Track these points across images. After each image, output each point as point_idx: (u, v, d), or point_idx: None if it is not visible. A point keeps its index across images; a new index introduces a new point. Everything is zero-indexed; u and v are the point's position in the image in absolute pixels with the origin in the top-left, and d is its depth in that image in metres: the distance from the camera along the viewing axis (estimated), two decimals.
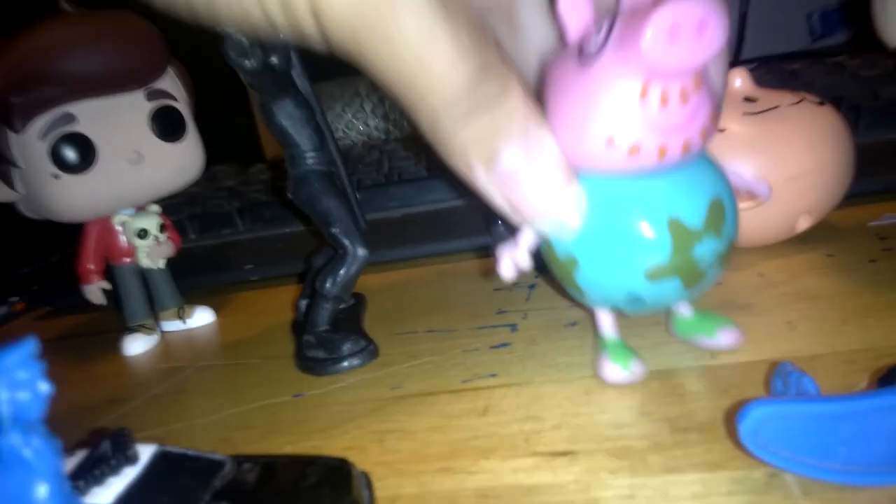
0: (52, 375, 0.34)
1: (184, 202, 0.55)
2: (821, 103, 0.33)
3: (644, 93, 0.20)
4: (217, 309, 0.42)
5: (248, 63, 0.28)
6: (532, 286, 0.37)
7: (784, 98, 0.33)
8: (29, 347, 0.14)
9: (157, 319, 0.41)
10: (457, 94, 0.20)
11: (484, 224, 0.38)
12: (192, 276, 0.46)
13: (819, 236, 0.34)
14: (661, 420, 0.23)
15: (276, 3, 0.18)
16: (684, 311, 0.27)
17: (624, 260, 0.23)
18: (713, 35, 0.19)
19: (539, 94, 0.23)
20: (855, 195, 0.35)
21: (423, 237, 0.45)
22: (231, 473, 0.20)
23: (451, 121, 0.20)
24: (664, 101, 0.20)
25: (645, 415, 0.23)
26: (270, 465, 0.20)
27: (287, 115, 0.31)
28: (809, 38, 0.90)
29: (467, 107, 0.20)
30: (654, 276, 0.23)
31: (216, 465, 0.20)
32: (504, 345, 0.30)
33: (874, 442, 0.17)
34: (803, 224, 0.32)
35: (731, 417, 0.22)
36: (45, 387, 0.14)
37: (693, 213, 0.22)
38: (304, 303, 0.37)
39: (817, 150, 0.31)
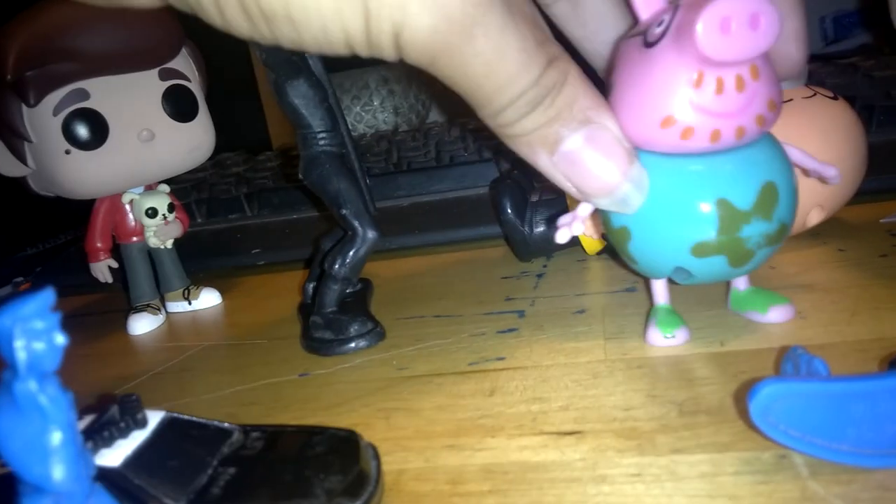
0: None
1: (192, 186, 0.56)
2: (834, 97, 0.33)
3: (700, 80, 0.21)
4: (223, 292, 0.42)
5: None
6: (540, 275, 0.37)
7: (797, 91, 0.33)
8: (47, 298, 0.14)
9: (162, 300, 0.41)
10: (522, 91, 0.21)
11: (493, 210, 0.39)
12: (200, 259, 0.47)
13: (831, 232, 0.34)
14: (670, 403, 0.23)
15: (360, 31, 0.19)
16: (740, 285, 0.27)
17: (672, 235, 0.24)
18: (766, 28, 0.20)
19: (607, 76, 0.24)
20: (867, 192, 0.35)
21: (431, 225, 0.45)
22: (239, 441, 0.20)
23: (516, 112, 0.21)
24: (720, 88, 0.21)
25: (653, 398, 0.23)
26: (278, 435, 0.20)
27: (300, 95, 0.31)
28: (822, 42, 0.90)
29: (531, 98, 0.21)
30: (699, 252, 0.24)
31: (224, 433, 0.20)
32: (511, 330, 0.30)
33: (884, 424, 0.17)
34: (814, 218, 0.32)
35: (741, 400, 0.22)
36: (60, 338, 0.14)
37: (743, 195, 0.23)
38: (311, 286, 0.37)
39: (830, 143, 0.31)
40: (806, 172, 0.27)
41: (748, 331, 0.26)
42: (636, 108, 0.23)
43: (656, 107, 0.22)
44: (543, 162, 0.23)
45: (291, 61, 0.30)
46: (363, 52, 0.20)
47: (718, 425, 0.21)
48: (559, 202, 0.37)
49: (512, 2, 0.20)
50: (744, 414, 0.21)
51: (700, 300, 0.29)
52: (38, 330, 0.14)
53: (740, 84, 0.21)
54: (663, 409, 0.22)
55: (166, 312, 0.41)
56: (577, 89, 0.22)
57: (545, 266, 0.38)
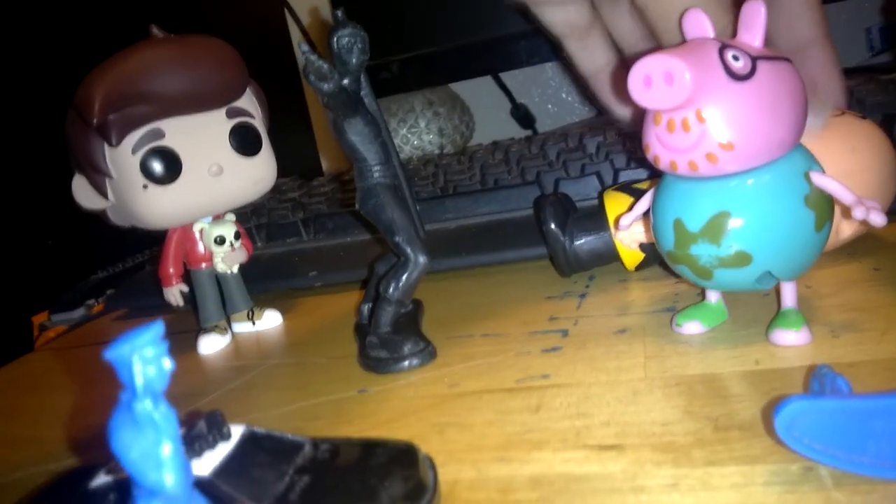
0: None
1: (252, 212, 0.59)
2: (863, 117, 0.34)
3: (658, 119, 0.27)
4: (284, 312, 0.45)
5: (326, 86, 0.30)
6: (583, 295, 0.38)
7: None
8: (157, 329, 0.16)
9: (229, 321, 0.44)
10: None
11: (537, 223, 0.41)
12: (261, 282, 0.50)
13: (866, 250, 0.35)
14: (705, 419, 0.24)
15: None
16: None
17: (659, 241, 0.30)
18: (678, 84, 0.25)
19: None
20: None
21: (477, 247, 0.47)
22: (310, 453, 0.22)
23: None
24: (671, 127, 0.26)
25: (689, 413, 0.25)
26: (344, 447, 0.23)
27: (357, 132, 0.34)
28: (868, 52, 0.90)
29: None
30: (672, 259, 0.30)
31: (297, 445, 0.23)
32: (555, 349, 0.32)
33: None
34: (846, 231, 0.33)
35: (770, 416, 0.23)
36: (168, 363, 0.16)
37: (693, 219, 0.28)
38: (366, 307, 0.40)
39: (858, 156, 0.33)
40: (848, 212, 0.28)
41: (782, 350, 0.28)
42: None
43: (643, 136, 0.28)
44: None
45: (349, 102, 0.33)
46: None
47: (750, 440, 0.22)
48: (600, 217, 0.39)
49: None
50: (773, 429, 0.22)
51: (738, 319, 0.31)
52: (150, 357, 0.16)
53: (686, 125, 0.26)
54: (699, 425, 0.24)
55: (232, 333, 0.44)
56: None
57: (587, 286, 0.40)
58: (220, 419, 0.22)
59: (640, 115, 0.29)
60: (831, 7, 0.81)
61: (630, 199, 0.38)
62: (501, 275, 0.45)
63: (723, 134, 0.26)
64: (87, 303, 0.60)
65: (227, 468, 0.21)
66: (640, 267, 0.39)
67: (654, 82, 0.26)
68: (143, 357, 0.16)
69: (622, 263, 0.39)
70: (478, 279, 0.45)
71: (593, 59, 0.48)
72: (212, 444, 0.21)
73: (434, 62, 0.92)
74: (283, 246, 0.55)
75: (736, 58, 0.26)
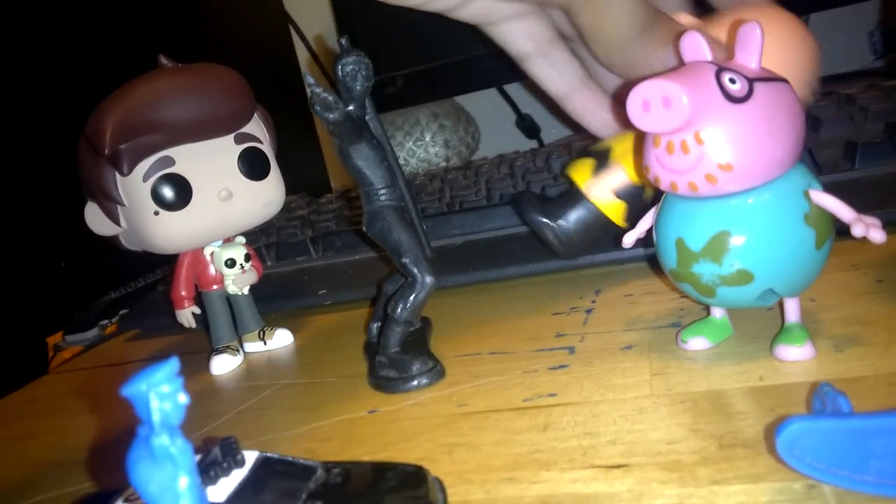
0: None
1: (261, 231, 0.60)
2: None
3: (658, 141, 0.28)
4: (294, 331, 0.46)
5: (331, 116, 0.31)
6: (589, 310, 0.39)
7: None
8: (172, 366, 0.17)
9: (240, 341, 0.45)
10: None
11: (519, 218, 0.41)
12: (271, 301, 0.50)
13: (871, 262, 0.35)
14: (710, 437, 0.24)
15: None
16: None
17: (662, 259, 0.30)
18: (676, 108, 0.26)
19: None
20: None
21: (483, 263, 0.48)
22: (322, 477, 0.23)
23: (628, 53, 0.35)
24: (670, 149, 0.27)
25: (695, 432, 0.25)
26: (355, 471, 0.23)
27: (363, 157, 0.35)
28: (871, 56, 0.90)
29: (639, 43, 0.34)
30: (675, 277, 0.30)
31: (309, 470, 0.23)
32: (562, 366, 0.33)
33: None
34: None
35: (773, 433, 0.23)
36: (184, 398, 0.17)
37: (694, 238, 0.28)
38: (375, 326, 0.40)
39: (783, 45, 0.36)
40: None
41: (786, 365, 0.28)
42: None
43: (643, 157, 0.29)
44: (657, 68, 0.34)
45: (354, 129, 0.34)
46: None
47: (754, 458, 0.23)
48: (573, 191, 0.40)
49: None
50: (775, 448, 0.23)
51: (743, 335, 0.31)
52: (166, 393, 0.17)
53: (685, 147, 0.27)
54: (704, 443, 0.24)
55: (244, 353, 0.44)
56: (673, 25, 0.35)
57: (594, 301, 0.40)
58: (235, 446, 0.22)
59: (623, 126, 0.30)
60: (835, 11, 0.82)
61: (592, 162, 0.40)
62: (508, 290, 0.45)
63: (721, 155, 0.26)
64: (100, 323, 0.61)
65: (242, 495, 0.21)
66: (628, 218, 0.39)
67: (652, 106, 0.26)
68: (160, 393, 0.17)
69: (613, 224, 0.40)
70: (484, 295, 0.46)
71: (564, 76, 0.43)
72: (226, 471, 0.22)
73: (439, 75, 0.92)
74: (293, 265, 0.56)
75: (733, 80, 0.27)
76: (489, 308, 0.43)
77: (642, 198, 0.39)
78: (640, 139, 0.32)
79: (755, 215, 0.27)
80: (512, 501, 0.23)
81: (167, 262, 0.54)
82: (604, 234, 0.41)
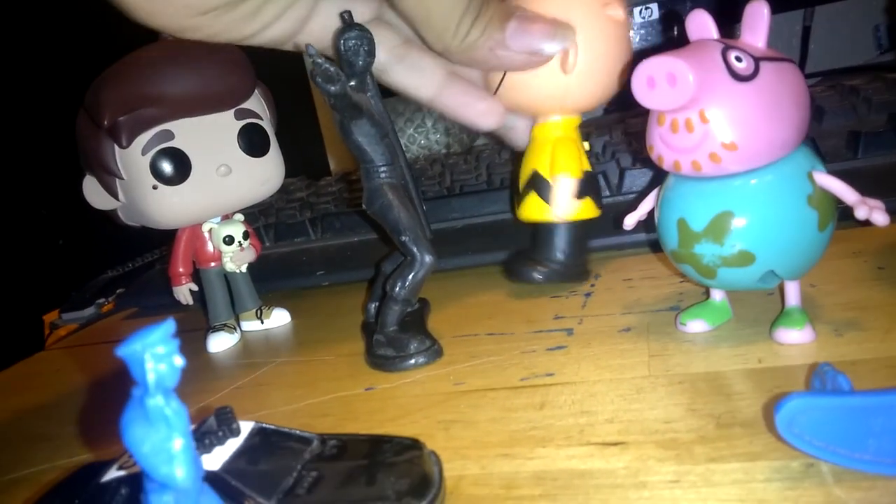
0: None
1: (260, 212, 0.59)
2: None
3: (662, 120, 0.28)
4: (292, 311, 0.46)
5: (333, 88, 0.31)
6: (588, 294, 0.39)
7: None
8: (168, 328, 0.17)
9: (237, 319, 0.45)
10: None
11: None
12: (269, 281, 0.50)
13: (871, 249, 0.35)
14: (708, 416, 0.24)
15: None
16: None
17: (663, 240, 0.30)
18: (682, 85, 0.25)
19: None
20: None
21: (483, 246, 0.47)
22: (318, 448, 0.23)
23: (461, 35, 0.33)
24: (674, 127, 0.27)
25: (692, 411, 0.25)
26: (351, 443, 0.23)
27: (363, 133, 0.34)
28: (876, 50, 0.90)
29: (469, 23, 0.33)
30: (676, 258, 0.30)
31: (305, 441, 0.23)
32: (560, 347, 0.33)
33: None
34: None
35: (771, 413, 0.23)
36: (179, 360, 0.17)
37: (696, 218, 0.28)
38: (373, 305, 0.40)
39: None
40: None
41: (785, 348, 0.28)
42: None
43: (647, 136, 0.29)
44: (498, 53, 0.34)
45: (355, 104, 0.33)
46: None
47: (752, 437, 0.23)
48: (545, 226, 0.40)
49: None
50: (774, 426, 0.23)
51: (743, 318, 0.31)
52: (162, 354, 0.16)
53: (689, 126, 0.26)
54: (702, 422, 0.24)
55: (241, 331, 0.44)
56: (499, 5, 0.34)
57: (593, 286, 0.40)
58: (230, 415, 0.22)
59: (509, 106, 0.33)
60: (839, 5, 0.82)
61: (533, 195, 0.39)
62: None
63: (726, 134, 0.26)
64: (97, 302, 0.61)
65: (237, 463, 0.21)
66: (596, 201, 0.40)
67: (657, 83, 0.26)
68: (155, 354, 0.16)
69: (591, 220, 0.40)
70: (483, 278, 0.45)
71: (427, 77, 0.39)
72: (221, 440, 0.21)
73: None
74: (291, 245, 0.55)
75: (739, 59, 0.26)
76: (488, 291, 0.43)
77: (594, 177, 0.40)
78: (545, 134, 0.37)
79: (758, 196, 0.27)
80: (508, 476, 0.23)
81: (165, 242, 0.54)
82: (589, 231, 0.41)
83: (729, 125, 0.26)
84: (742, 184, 0.27)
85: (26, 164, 0.61)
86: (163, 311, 0.53)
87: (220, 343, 0.42)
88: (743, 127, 0.26)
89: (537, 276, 0.40)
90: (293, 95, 0.88)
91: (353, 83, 0.33)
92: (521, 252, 0.42)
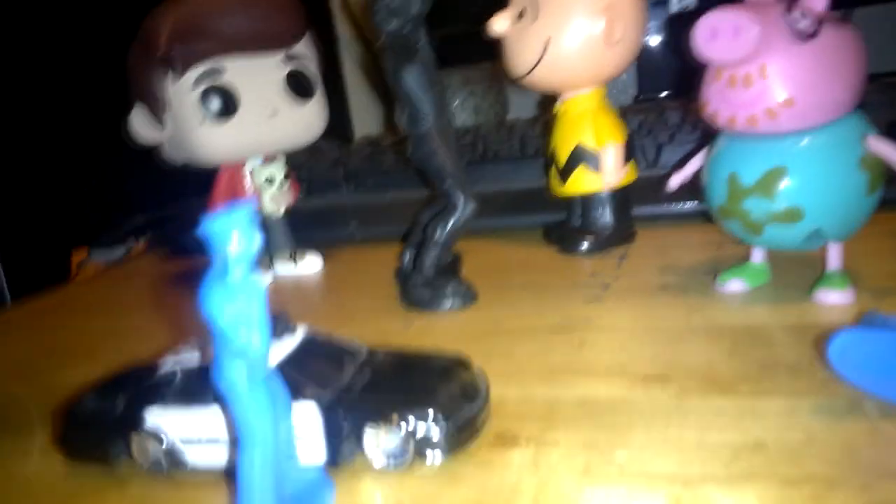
0: (171, 307, 0.39)
1: (293, 168, 0.60)
2: None
3: (719, 74, 0.28)
4: (325, 260, 0.46)
5: (391, 26, 0.31)
6: (622, 257, 0.39)
7: None
8: (249, 209, 0.17)
9: (271, 261, 0.45)
10: None
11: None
12: (301, 232, 0.50)
13: None
14: (750, 360, 0.25)
15: None
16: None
17: (711, 196, 0.30)
18: (746, 37, 0.26)
19: None
20: None
21: (516, 209, 0.48)
22: (369, 357, 0.23)
23: None
24: (732, 82, 0.27)
25: (734, 355, 0.25)
26: (402, 355, 0.24)
27: (414, 79, 0.35)
28: None
29: None
30: (723, 214, 0.30)
31: (356, 349, 0.24)
32: (597, 299, 0.33)
33: None
34: None
35: (817, 355, 0.24)
36: (259, 238, 0.17)
37: (748, 173, 0.28)
38: (408, 253, 0.40)
39: None
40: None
41: (826, 308, 0.28)
42: None
43: (702, 93, 0.29)
44: None
45: (408, 46, 0.34)
46: None
47: (795, 378, 0.23)
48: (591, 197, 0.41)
49: None
50: (820, 369, 0.23)
51: (781, 281, 0.31)
52: (244, 232, 0.17)
53: (748, 80, 0.27)
54: (744, 364, 0.24)
55: (274, 273, 0.45)
56: None
57: (627, 250, 0.40)
58: (286, 317, 0.23)
59: None
60: (872, 9, 0.81)
61: (583, 166, 0.40)
62: (539, 237, 0.45)
63: (784, 90, 0.26)
64: (127, 243, 0.61)
65: (294, 359, 0.21)
66: (627, 158, 0.40)
67: (720, 35, 0.26)
68: (239, 230, 0.17)
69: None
70: (516, 239, 0.46)
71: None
72: (279, 336, 0.22)
73: (474, 40, 0.92)
74: (324, 200, 0.56)
75: (802, 16, 0.27)
76: (521, 250, 0.44)
77: (632, 139, 0.41)
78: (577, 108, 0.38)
79: (811, 154, 0.27)
80: (549, 400, 0.24)
81: (199, 191, 0.55)
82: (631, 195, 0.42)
83: (788, 81, 0.26)
84: (796, 141, 0.28)
85: (68, 102, 0.61)
86: (195, 254, 0.54)
87: None
88: (802, 84, 0.26)
89: (589, 246, 0.40)
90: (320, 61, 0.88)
91: (409, 26, 0.34)
92: (563, 224, 0.43)
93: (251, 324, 0.17)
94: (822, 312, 0.28)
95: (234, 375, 0.17)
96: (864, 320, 0.22)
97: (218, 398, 0.20)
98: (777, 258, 0.33)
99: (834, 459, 0.19)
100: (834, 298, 0.28)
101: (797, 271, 0.32)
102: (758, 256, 0.32)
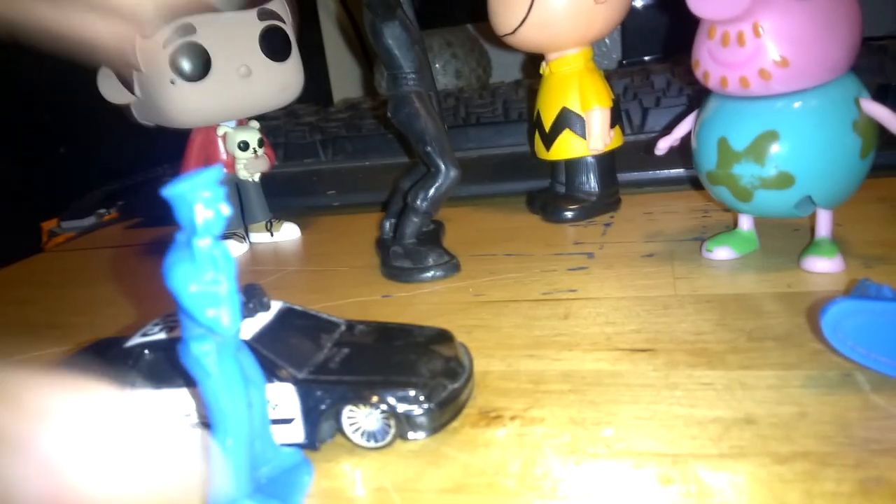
0: (143, 277, 0.38)
1: (269, 132, 0.58)
2: None
3: (712, 32, 0.27)
4: (302, 228, 0.45)
5: None
6: (607, 224, 0.38)
7: None
8: (215, 173, 0.16)
9: (246, 230, 0.44)
10: None
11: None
12: (278, 198, 0.49)
13: None
14: (738, 330, 0.24)
15: None
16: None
17: (698, 161, 0.30)
18: None
19: None
20: None
21: (500, 176, 0.47)
22: (347, 331, 0.22)
23: None
24: (725, 40, 0.26)
25: (722, 326, 0.25)
26: (382, 328, 0.23)
27: (394, 37, 0.33)
28: None
29: None
30: (711, 179, 0.29)
31: (333, 324, 0.23)
32: (581, 268, 0.32)
33: None
34: None
35: (808, 324, 0.23)
36: (225, 208, 0.16)
37: (738, 137, 0.27)
38: (388, 222, 0.39)
39: None
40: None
41: (814, 276, 0.28)
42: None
43: (693, 52, 0.28)
44: None
45: (388, 4, 0.32)
46: None
47: (785, 349, 0.22)
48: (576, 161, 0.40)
49: None
50: (811, 339, 0.22)
51: (769, 249, 0.31)
52: (209, 198, 0.16)
53: (741, 39, 0.26)
54: (732, 335, 0.24)
55: (250, 242, 0.43)
56: None
57: (612, 217, 0.39)
58: (259, 290, 0.22)
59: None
60: None
61: (568, 133, 0.39)
62: (523, 203, 0.45)
63: (778, 49, 0.25)
64: (98, 211, 0.60)
65: (267, 335, 0.20)
66: (613, 122, 0.39)
67: None
68: (203, 198, 0.16)
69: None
70: (499, 206, 0.45)
71: None
72: (252, 312, 0.21)
73: (455, 1, 0.90)
74: (301, 166, 0.54)
75: None
76: (504, 218, 0.43)
77: (617, 103, 0.40)
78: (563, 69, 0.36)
79: (804, 117, 0.26)
80: (535, 373, 0.23)
81: (170, 158, 0.53)
82: (616, 161, 0.41)
83: (782, 40, 0.25)
84: (788, 104, 0.27)
85: (35, 70, 0.59)
86: (167, 223, 0.52)
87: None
88: (796, 43, 0.25)
89: (573, 213, 0.39)
90: (296, 19, 0.86)
91: None
92: (547, 190, 0.42)
93: (219, 300, 0.16)
94: (811, 281, 0.27)
95: (202, 354, 0.16)
96: (855, 290, 0.22)
97: (187, 378, 0.19)
98: (764, 225, 0.32)
99: (826, 435, 0.18)
100: (823, 266, 0.28)
101: (785, 239, 0.32)
102: (746, 223, 0.31)
